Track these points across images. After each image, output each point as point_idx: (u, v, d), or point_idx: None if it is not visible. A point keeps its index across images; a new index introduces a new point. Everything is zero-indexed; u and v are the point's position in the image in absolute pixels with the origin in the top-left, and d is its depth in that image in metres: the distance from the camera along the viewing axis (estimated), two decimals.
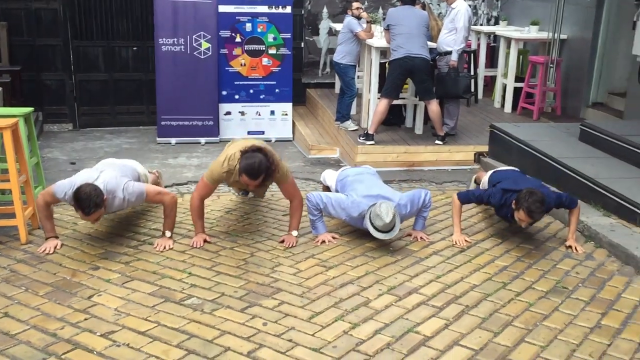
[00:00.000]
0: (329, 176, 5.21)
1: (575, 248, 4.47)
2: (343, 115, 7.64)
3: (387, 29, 6.75)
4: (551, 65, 8.07)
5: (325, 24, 9.86)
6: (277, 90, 8.57)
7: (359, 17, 7.38)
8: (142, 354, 3.04)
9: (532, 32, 8.57)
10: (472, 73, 8.18)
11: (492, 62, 9.85)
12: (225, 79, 8.43)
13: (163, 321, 3.35)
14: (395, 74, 6.72)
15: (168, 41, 8.11)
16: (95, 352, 3.05)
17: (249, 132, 8.52)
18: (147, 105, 9.12)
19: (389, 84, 6.81)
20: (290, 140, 8.52)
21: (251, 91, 8.52)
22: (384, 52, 7.45)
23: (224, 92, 8.45)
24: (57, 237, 4.38)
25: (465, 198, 4.70)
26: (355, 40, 7.40)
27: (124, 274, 3.93)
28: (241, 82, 8.50)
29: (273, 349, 3.10)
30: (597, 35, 7.95)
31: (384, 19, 8.13)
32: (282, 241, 4.51)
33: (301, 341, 3.17)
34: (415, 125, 7.54)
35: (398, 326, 3.34)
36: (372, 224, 4.23)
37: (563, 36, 8.26)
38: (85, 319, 3.36)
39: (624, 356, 3.10)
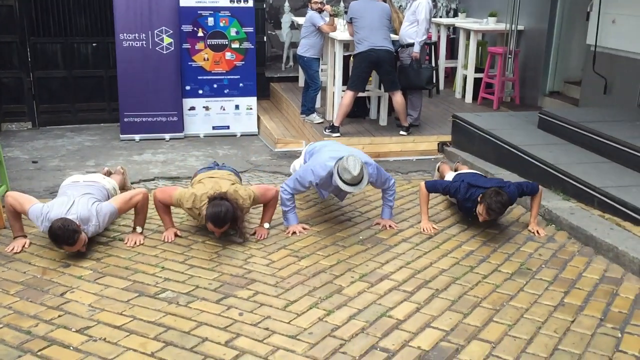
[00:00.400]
0: (298, 162, 5.26)
1: (537, 231, 4.63)
2: (308, 108, 7.70)
3: (350, 22, 6.82)
4: (509, 55, 8.28)
5: (287, 18, 9.88)
6: (241, 84, 8.56)
7: (320, 11, 7.43)
8: (119, 347, 3.05)
9: (490, 24, 8.77)
10: (433, 65, 8.32)
11: (452, 53, 10.03)
12: (188, 74, 8.38)
13: (139, 315, 3.36)
14: (361, 67, 6.80)
15: (129, 36, 8.02)
16: (71, 348, 3.05)
17: (213, 127, 8.50)
18: (109, 102, 9.00)
19: (354, 77, 6.89)
20: (256, 135, 8.53)
21: (215, 86, 8.49)
22: (347, 45, 7.53)
23: (188, 87, 8.40)
24: (25, 236, 4.33)
25: (432, 187, 4.82)
26: (318, 33, 7.46)
27: (95, 270, 3.92)
28: (205, 77, 8.46)
29: (250, 337, 3.14)
30: (553, 26, 8.18)
31: (346, 12, 8.22)
32: (254, 233, 4.55)
33: (277, 329, 3.23)
34: (380, 116, 7.65)
35: (371, 311, 3.43)
36: (340, 177, 4.27)
37: (520, 27, 8.48)
38: (59, 316, 3.35)
39: (587, 331, 3.26)
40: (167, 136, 8.22)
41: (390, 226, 4.75)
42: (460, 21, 9.37)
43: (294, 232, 4.58)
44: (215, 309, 3.43)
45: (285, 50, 10.02)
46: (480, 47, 9.10)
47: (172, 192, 4.40)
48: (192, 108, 8.46)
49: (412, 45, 7.12)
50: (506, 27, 8.42)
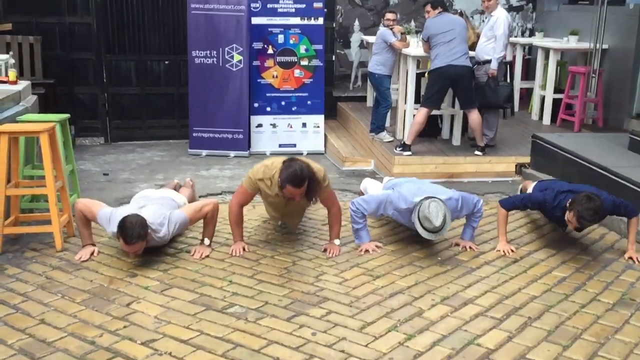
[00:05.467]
0: (371, 184, 5.01)
1: (637, 259, 4.19)
2: (378, 126, 7.46)
3: (427, 40, 6.53)
4: (593, 75, 7.81)
5: (356, 37, 9.74)
6: (309, 102, 8.44)
7: (392, 28, 7.23)
8: None
9: (571, 42, 8.34)
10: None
11: (527, 74, 9.61)
12: (257, 91, 8.32)
13: (206, 330, 3.16)
14: (438, 84, 6.53)
15: (201, 54, 8.05)
16: None
17: (280, 145, 8.38)
18: (178, 119, 9.03)
19: (431, 94, 6.61)
20: (323, 154, 8.35)
21: (283, 103, 8.40)
22: (418, 63, 7.27)
23: (256, 105, 8.34)
24: (94, 245, 4.24)
25: (510, 204, 4.47)
26: (389, 50, 7.24)
27: (162, 282, 3.76)
28: (273, 94, 8.38)
29: (325, 359, 2.88)
30: None
31: (418, 31, 8.01)
32: (325, 250, 4.32)
33: (354, 352, 2.96)
34: (453, 136, 7.32)
35: (457, 338, 3.11)
36: (420, 224, 4.02)
37: (604, 46, 8.01)
38: (125, 327, 3.19)
39: None
40: (231, 153, 8.15)
41: (470, 247, 4.41)
42: (538, 40, 8.96)
43: (367, 251, 4.31)
44: (286, 327, 3.19)
45: (353, 69, 9.87)
46: (558, 67, 8.66)
47: (241, 184, 4.27)
48: (260, 125, 8.38)
49: (489, 62, 6.80)
50: (590, 45, 7.96)
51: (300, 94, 8.40)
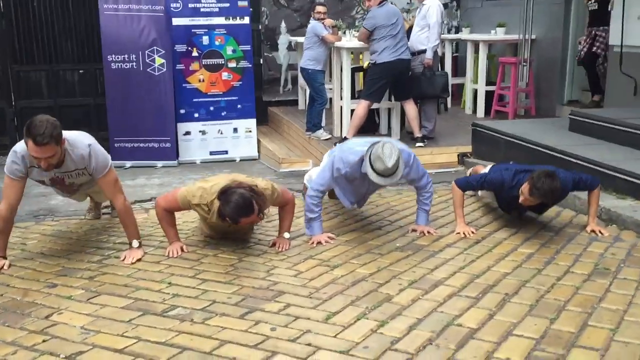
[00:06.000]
0: (314, 170, 4.64)
1: (600, 231, 4.01)
2: (314, 124, 7.13)
3: (372, 31, 6.22)
4: (524, 63, 7.82)
5: (284, 39, 9.43)
6: (239, 106, 8.01)
7: (323, 22, 6.96)
8: None
9: (499, 34, 8.35)
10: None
11: (456, 71, 9.59)
12: (183, 97, 7.81)
13: (145, 336, 2.67)
14: (384, 78, 6.27)
15: (118, 58, 7.48)
16: None
17: (211, 153, 7.91)
18: (97, 131, 8.19)
19: (374, 87, 6.35)
20: (257, 159, 7.93)
21: (211, 108, 7.93)
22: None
23: (182, 111, 7.83)
24: (5, 257, 3.63)
25: (466, 184, 4.22)
26: (322, 44, 6.97)
27: (88, 290, 3.22)
28: (200, 99, 7.90)
29: (290, 355, 2.46)
30: (568, 32, 7.77)
31: (346, 27, 7.79)
32: (274, 244, 3.89)
33: (322, 344, 2.55)
34: (392, 130, 7.09)
35: (434, 320, 2.76)
36: (371, 166, 3.66)
37: (532, 36, 8.05)
38: (44, 341, 2.65)
39: None
40: (159, 164, 7.59)
41: (428, 232, 4.11)
42: (467, 35, 8.94)
43: (319, 242, 3.92)
44: (240, 325, 2.75)
45: (282, 72, 9.55)
46: (488, 61, 8.65)
47: (175, 193, 3.75)
48: (188, 133, 7.88)
49: (423, 52, 6.63)
50: (519, 36, 7.97)
51: (229, 98, 7.97)
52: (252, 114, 8.07)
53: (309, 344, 2.55)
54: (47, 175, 3.67)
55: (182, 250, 3.80)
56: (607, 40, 6.73)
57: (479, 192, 4.86)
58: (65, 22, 8.15)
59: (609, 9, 6.76)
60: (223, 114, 7.97)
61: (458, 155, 6.60)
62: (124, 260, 3.65)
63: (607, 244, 3.81)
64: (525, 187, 3.72)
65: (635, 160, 4.80)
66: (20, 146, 3.51)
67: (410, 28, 6.96)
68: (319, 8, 7.01)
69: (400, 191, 5.34)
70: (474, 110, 8.46)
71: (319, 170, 4.32)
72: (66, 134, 3.52)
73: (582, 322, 2.72)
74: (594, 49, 7.08)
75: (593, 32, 7.09)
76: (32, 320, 2.86)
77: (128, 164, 7.52)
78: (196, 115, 7.89)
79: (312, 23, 6.99)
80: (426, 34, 6.61)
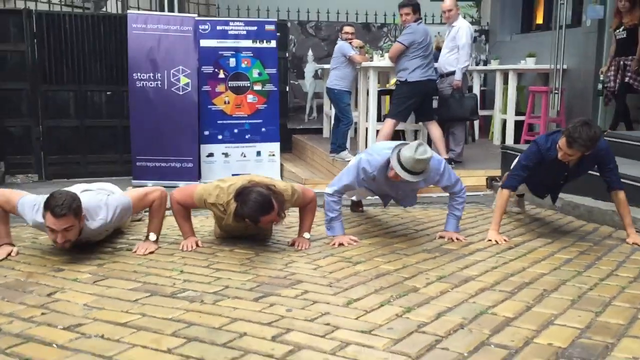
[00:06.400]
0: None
1: None
2: (339, 145, 6.98)
3: (408, 46, 6.06)
4: (555, 91, 7.63)
5: (310, 67, 9.40)
6: (263, 129, 7.92)
7: (350, 42, 6.90)
8: (122, 344, 2.15)
9: (529, 64, 8.22)
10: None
11: (484, 104, 9.43)
12: (207, 118, 7.75)
13: (150, 312, 2.47)
14: (413, 98, 6.14)
15: (143, 76, 7.47)
16: (55, 345, 2.14)
17: (233, 175, 7.72)
18: (122, 153, 8.28)
19: (402, 106, 6.20)
20: None
21: (235, 131, 7.85)
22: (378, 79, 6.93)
23: (206, 132, 7.76)
24: (12, 244, 3.48)
25: (513, 181, 3.95)
26: (349, 64, 6.88)
27: (95, 274, 3.04)
28: (225, 121, 7.83)
29: (306, 332, 2.23)
30: (601, 62, 7.59)
31: (375, 49, 7.73)
32: (293, 244, 3.69)
33: (342, 324, 2.32)
34: None
35: (466, 309, 2.52)
36: (399, 162, 3.45)
37: (564, 66, 7.89)
38: (43, 314, 2.46)
39: None
40: (180, 184, 7.45)
41: (457, 239, 3.87)
42: (496, 65, 8.82)
43: (341, 244, 3.71)
44: (253, 306, 2.53)
45: (308, 100, 9.48)
46: (517, 92, 8.50)
47: (192, 190, 3.59)
48: (211, 155, 7.79)
49: (452, 73, 6.50)
50: (550, 66, 7.82)
51: (254, 121, 7.89)
52: (276, 137, 7.97)
53: (328, 324, 2.32)
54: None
55: (197, 244, 3.62)
56: (635, 67, 6.47)
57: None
58: (95, 44, 8.21)
59: None
60: (247, 136, 7.88)
61: (487, 179, 6.36)
62: (136, 251, 3.47)
63: None
64: (562, 140, 3.50)
65: None
66: (40, 213, 3.22)
67: (438, 49, 6.86)
68: (347, 28, 6.96)
69: (426, 208, 5.12)
70: (503, 141, 8.24)
71: (343, 172, 4.14)
72: (84, 203, 3.24)
73: (631, 316, 2.45)
74: (627, 79, 6.68)
75: (621, 62, 6.72)
76: (33, 297, 2.68)
77: (150, 183, 7.41)
78: (220, 137, 7.81)
79: (340, 43, 6.93)
80: (455, 55, 6.49)
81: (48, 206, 3.06)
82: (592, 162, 3.82)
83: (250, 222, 3.29)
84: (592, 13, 7.45)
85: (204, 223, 4.41)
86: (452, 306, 2.55)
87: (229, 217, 3.41)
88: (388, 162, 3.58)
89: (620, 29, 6.74)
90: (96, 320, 2.37)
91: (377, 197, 4.23)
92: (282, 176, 7.81)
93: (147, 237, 3.58)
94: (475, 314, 2.45)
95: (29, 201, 3.29)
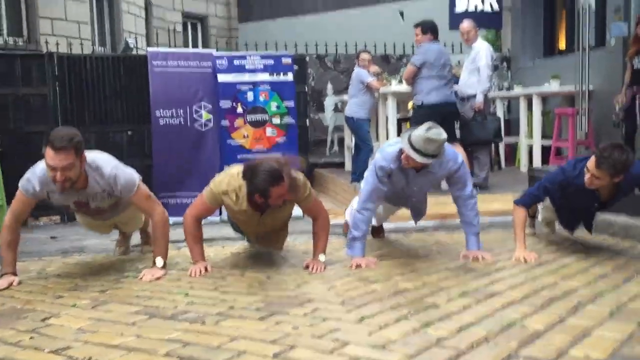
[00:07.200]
0: (355, 200, 4.27)
1: None
2: (360, 173, 6.78)
3: (420, 67, 5.90)
4: (582, 112, 7.38)
5: (330, 100, 9.33)
6: None
7: (367, 69, 6.81)
8: None
9: (553, 86, 8.01)
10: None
11: (509, 132, 9.21)
12: (227, 153, 7.62)
13: (145, 334, 2.28)
14: (431, 120, 5.96)
15: (166, 113, 7.42)
16: None
17: None
18: None
19: None
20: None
21: None
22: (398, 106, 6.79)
23: (227, 167, 7.64)
24: (15, 275, 3.36)
25: (526, 198, 3.74)
26: (367, 91, 6.77)
27: (96, 300, 2.88)
28: (245, 155, 7.65)
29: (313, 348, 2.02)
30: None
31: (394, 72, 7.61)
32: (307, 267, 3.49)
33: (353, 340, 2.10)
34: None
35: (492, 322, 2.28)
36: (409, 139, 3.29)
37: (590, 87, 7.66)
38: (32, 338, 2.29)
39: None
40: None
41: (483, 257, 3.61)
42: (520, 89, 8.63)
43: (359, 266, 3.49)
44: (258, 325, 2.33)
45: (329, 134, 9.37)
46: (542, 117, 8.27)
47: (201, 196, 3.48)
48: None
49: (473, 96, 6.32)
50: (576, 87, 7.59)
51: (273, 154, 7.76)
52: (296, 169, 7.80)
53: (337, 340, 2.10)
54: (70, 197, 3.44)
55: (206, 269, 3.44)
56: None
57: (539, 208, 4.31)
58: (116, 83, 8.26)
59: None
60: None
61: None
62: (142, 278, 3.31)
63: None
64: (590, 163, 3.25)
65: None
66: (40, 167, 3.30)
67: (457, 77, 6.70)
68: (363, 55, 6.88)
69: (451, 232, 4.88)
70: (530, 167, 7.97)
71: (354, 205, 3.97)
72: (89, 154, 3.31)
73: None
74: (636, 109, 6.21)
75: (639, 93, 6.26)
76: (26, 322, 2.52)
77: (172, 220, 7.28)
78: None
79: (357, 70, 6.84)
80: (476, 77, 6.32)
81: (48, 140, 3.02)
82: (630, 187, 3.54)
83: (261, 198, 3.11)
84: (616, 30, 7.25)
85: (218, 252, 4.24)
86: (475, 320, 2.31)
87: (242, 201, 3.27)
88: (401, 151, 3.40)
89: (638, 60, 6.30)
90: (87, 343, 2.19)
91: (395, 211, 4.01)
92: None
93: (154, 263, 3.43)
94: (501, 327, 2.20)
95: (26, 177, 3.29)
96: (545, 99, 8.16)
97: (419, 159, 3.28)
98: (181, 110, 7.40)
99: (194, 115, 7.45)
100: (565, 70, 8.05)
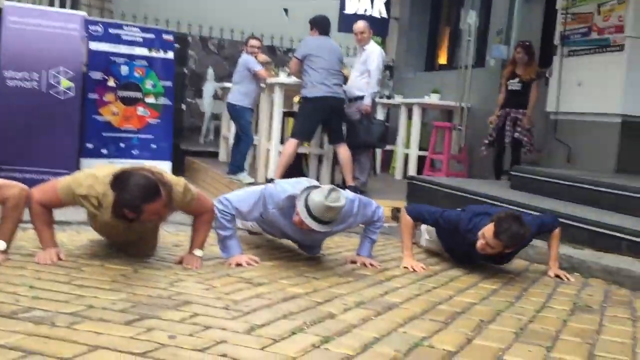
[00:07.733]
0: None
1: (565, 276, 3.46)
2: (237, 165, 6.43)
3: (301, 59, 5.72)
4: (459, 127, 7.56)
5: (210, 87, 8.83)
6: (153, 145, 7.14)
7: (256, 56, 6.45)
8: None
9: (433, 99, 8.16)
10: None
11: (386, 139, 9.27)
12: (91, 129, 6.87)
13: None
14: (316, 115, 5.72)
15: (17, 75, 6.53)
16: None
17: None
18: None
19: (304, 125, 5.77)
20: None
21: (122, 145, 7.01)
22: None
23: (90, 145, 6.87)
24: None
25: (417, 213, 3.62)
26: (253, 80, 6.40)
27: None
28: (111, 134, 6.99)
29: None
30: None
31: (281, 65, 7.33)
32: (180, 262, 3.06)
33: (244, 356, 1.74)
34: (321, 180, 6.48)
35: (397, 339, 2.03)
36: (308, 210, 2.92)
37: (468, 104, 7.89)
38: None
39: None
40: None
41: (371, 264, 3.41)
42: (402, 99, 8.71)
43: (239, 264, 3.13)
44: (124, 331, 1.90)
45: (205, 121, 8.87)
46: (421, 128, 8.40)
47: (55, 185, 2.90)
48: None
49: (361, 98, 6.19)
50: (457, 103, 7.77)
51: (143, 136, 7.10)
52: (167, 156, 7.21)
53: (224, 355, 1.74)
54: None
55: (58, 257, 2.90)
56: (526, 125, 6.29)
57: (424, 236, 4.24)
58: None
59: (547, 75, 6.67)
60: (134, 152, 7.07)
61: (392, 209, 6.03)
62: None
63: (577, 287, 3.26)
64: (487, 230, 3.08)
65: (590, 212, 4.40)
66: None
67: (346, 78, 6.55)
68: (253, 42, 6.51)
69: (331, 237, 4.64)
70: (404, 176, 8.04)
71: (243, 190, 3.57)
72: None
73: (587, 352, 2.07)
74: (516, 134, 6.35)
75: (511, 114, 6.43)
76: None
77: None
78: (104, 151, 6.95)
79: (244, 57, 6.46)
80: (365, 79, 6.20)
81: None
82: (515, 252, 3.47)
83: (131, 213, 2.63)
84: (497, 53, 7.52)
85: (73, 238, 3.67)
86: (379, 336, 2.05)
87: (105, 212, 2.75)
88: (292, 202, 3.05)
89: (516, 80, 6.50)
90: None
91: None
92: None
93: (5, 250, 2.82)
94: (409, 346, 1.96)
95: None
96: (424, 110, 8.28)
97: (315, 226, 2.94)
98: (36, 74, 6.54)
99: (51, 81, 6.62)
100: (445, 86, 8.24)
